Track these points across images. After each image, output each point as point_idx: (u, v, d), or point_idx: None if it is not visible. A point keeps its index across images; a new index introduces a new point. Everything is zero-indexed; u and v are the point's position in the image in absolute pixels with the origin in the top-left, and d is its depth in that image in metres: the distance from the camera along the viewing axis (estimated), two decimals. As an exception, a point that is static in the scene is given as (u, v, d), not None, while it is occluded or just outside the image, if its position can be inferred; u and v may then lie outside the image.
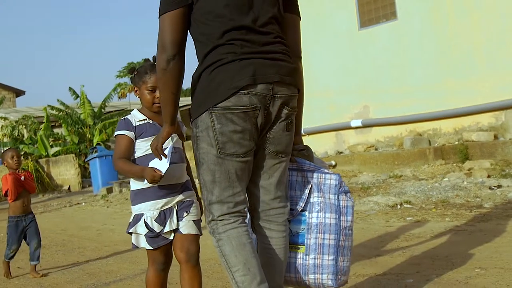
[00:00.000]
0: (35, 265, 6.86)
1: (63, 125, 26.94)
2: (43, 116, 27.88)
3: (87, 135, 27.04)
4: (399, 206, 8.82)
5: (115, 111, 30.22)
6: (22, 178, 6.93)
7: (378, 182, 11.36)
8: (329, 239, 3.44)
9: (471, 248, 5.65)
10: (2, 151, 8.19)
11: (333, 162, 13.92)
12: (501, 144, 11.20)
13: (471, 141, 11.83)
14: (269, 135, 3.19)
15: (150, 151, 3.61)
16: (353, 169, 13.32)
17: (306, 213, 3.48)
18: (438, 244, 6.06)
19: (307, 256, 3.46)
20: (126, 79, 31.43)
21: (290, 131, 3.25)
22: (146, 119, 3.75)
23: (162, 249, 3.80)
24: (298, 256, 3.48)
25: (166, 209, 3.70)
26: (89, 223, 11.69)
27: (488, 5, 12.13)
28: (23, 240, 7.00)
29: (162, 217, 3.70)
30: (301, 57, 3.47)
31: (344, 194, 3.55)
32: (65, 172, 24.09)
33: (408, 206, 8.79)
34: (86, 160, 22.11)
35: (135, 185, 3.77)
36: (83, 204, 16.35)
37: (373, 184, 11.26)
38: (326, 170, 3.58)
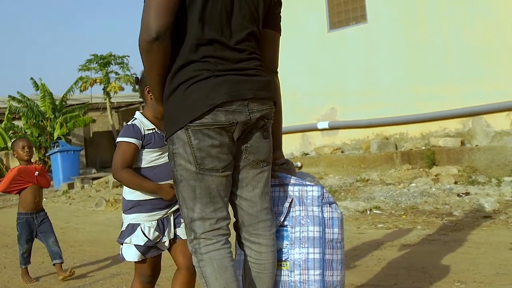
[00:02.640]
0: (61, 263, 6.40)
1: (22, 117, 26.48)
2: (5, 108, 27.39)
3: (48, 128, 26.61)
4: (369, 212, 8.80)
5: (76, 104, 29.77)
6: (37, 173, 6.41)
7: (345, 186, 11.34)
8: (314, 253, 3.30)
9: (446, 259, 5.63)
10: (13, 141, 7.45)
11: (299, 164, 13.88)
12: (468, 150, 11.25)
13: (438, 147, 11.88)
14: (247, 145, 3.10)
15: (156, 162, 3.56)
16: (319, 171, 13.29)
17: (289, 228, 3.36)
18: (412, 254, 6.03)
19: (292, 273, 3.32)
20: (88, 73, 31.03)
21: (267, 138, 3.16)
22: (155, 129, 3.65)
23: (150, 262, 3.70)
24: (283, 274, 3.34)
25: (164, 218, 3.63)
26: (52, 221, 11.42)
27: (459, 11, 12.18)
28: (35, 239, 6.55)
29: (161, 226, 3.62)
30: (277, 72, 3.40)
31: (328, 205, 3.41)
32: (25, 165, 23.65)
33: (378, 212, 8.78)
34: (47, 154, 21.79)
35: (133, 195, 3.65)
36: (44, 199, 16.04)
37: (340, 187, 11.24)
38: (308, 182, 3.46)
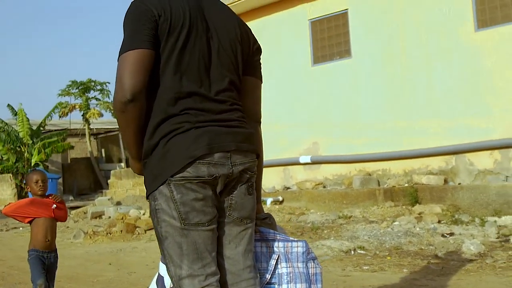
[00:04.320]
0: None
1: (-1, 142, 26.23)
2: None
3: (25, 154, 26.35)
4: (353, 252, 8.69)
5: (55, 130, 29.60)
6: (54, 206, 5.93)
7: (327, 222, 11.25)
8: None
9: (436, 308, 5.54)
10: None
11: (280, 198, 13.82)
12: (451, 188, 11.23)
13: (421, 184, 11.85)
14: (231, 201, 2.99)
15: None
16: (300, 206, 13.22)
17: (276, 285, 3.24)
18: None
19: None
20: (68, 98, 30.92)
21: (252, 194, 3.06)
22: None
23: None
24: None
25: None
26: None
27: (442, 49, 12.23)
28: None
29: None
30: (260, 122, 3.29)
31: (312, 261, 3.35)
32: (1, 191, 23.40)
33: (362, 252, 8.68)
34: (24, 182, 21.50)
35: None
36: (21, 229, 15.78)
37: (322, 224, 11.15)
38: (291, 238, 3.38)
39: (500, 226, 9.51)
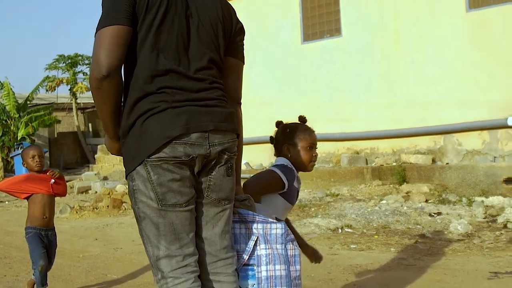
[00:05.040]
0: (34, 284, 5.78)
1: (-15, 115, 26.02)
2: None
3: (12, 128, 26.16)
4: (340, 230, 8.69)
5: (42, 104, 29.41)
6: (52, 181, 5.77)
7: (315, 200, 11.25)
8: None
9: (424, 288, 5.53)
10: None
11: (267, 175, 13.74)
12: (439, 168, 11.23)
13: (409, 163, 11.84)
14: (210, 182, 2.95)
15: (278, 214, 3.59)
16: (288, 183, 13.16)
17: (254, 267, 3.24)
18: (389, 281, 5.91)
19: None
20: (55, 72, 30.68)
21: (231, 176, 3.02)
22: (299, 187, 3.71)
23: None
24: None
25: None
26: (14, 227, 11.10)
27: (434, 30, 12.18)
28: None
29: None
30: (240, 103, 3.24)
31: (291, 242, 3.33)
32: (-13, 166, 23.24)
33: (350, 230, 8.67)
34: (10, 156, 21.37)
35: None
36: (7, 203, 15.70)
37: (310, 201, 11.14)
38: (270, 220, 3.35)
39: (487, 206, 9.53)
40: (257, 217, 3.30)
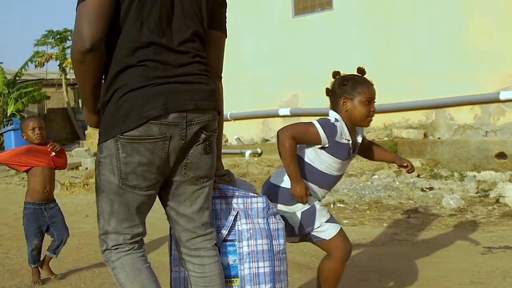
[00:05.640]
0: (51, 258, 5.73)
1: (-26, 91, 25.87)
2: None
3: (1, 104, 26.01)
4: (332, 206, 8.66)
5: (31, 80, 29.24)
6: (53, 154, 5.60)
7: (306, 175, 11.19)
8: (264, 266, 3.20)
9: (417, 264, 5.49)
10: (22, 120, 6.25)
11: (259, 150, 13.74)
12: (431, 143, 11.20)
13: (401, 138, 11.81)
14: (187, 160, 2.91)
15: (329, 171, 3.63)
16: (279, 159, 13.06)
17: (236, 242, 3.22)
18: (382, 256, 5.88)
19: None
20: (44, 48, 30.46)
21: (209, 154, 2.97)
22: (349, 142, 3.63)
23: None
24: None
25: None
26: (4, 204, 11.06)
27: (425, 2, 12.09)
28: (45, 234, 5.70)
29: None
30: (221, 77, 3.19)
31: (273, 216, 3.30)
32: (-24, 141, 23.10)
33: (342, 205, 8.64)
34: (0, 132, 21.23)
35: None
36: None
37: (301, 177, 11.09)
38: (251, 194, 3.32)
39: (479, 181, 9.51)
40: (237, 192, 3.28)
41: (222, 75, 3.20)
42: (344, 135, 3.59)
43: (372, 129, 12.80)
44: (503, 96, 10.87)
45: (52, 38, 30.20)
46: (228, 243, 3.21)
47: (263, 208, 3.26)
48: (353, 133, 3.67)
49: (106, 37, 2.73)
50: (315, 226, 3.66)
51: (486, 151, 10.41)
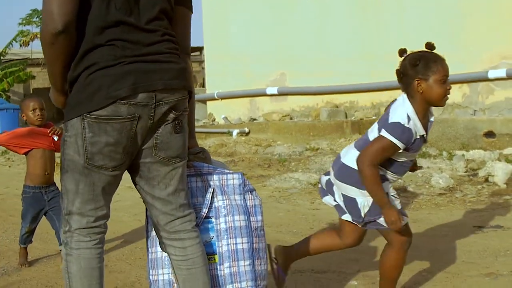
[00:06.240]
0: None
1: (-42, 71, 25.62)
2: None
3: (-15, 83, 25.83)
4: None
5: (16, 59, 29.00)
6: (56, 138, 5.39)
7: (294, 154, 11.17)
8: (242, 243, 3.17)
9: (408, 243, 5.46)
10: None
11: (246, 129, 13.68)
12: (419, 122, 11.15)
13: (389, 117, 11.74)
14: (156, 141, 2.86)
15: (404, 160, 3.56)
16: (267, 138, 13.10)
17: (213, 219, 3.18)
18: (372, 236, 5.76)
19: (222, 266, 3.17)
20: (29, 27, 30.27)
21: (180, 133, 2.92)
22: (424, 135, 3.50)
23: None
24: (212, 268, 3.17)
25: None
26: (-10, 187, 10.95)
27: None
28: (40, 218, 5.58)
29: None
30: (189, 54, 3.15)
31: (249, 193, 3.28)
32: (-40, 122, 22.86)
33: (329, 186, 8.59)
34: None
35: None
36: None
37: (289, 156, 11.06)
38: (226, 170, 3.31)
39: (468, 160, 9.48)
40: (211, 168, 3.25)
41: (190, 51, 3.15)
42: (418, 132, 3.45)
43: (360, 108, 12.77)
44: (491, 74, 10.83)
45: (37, 17, 30.00)
46: (205, 220, 3.18)
47: (239, 185, 3.25)
48: (426, 114, 3.51)
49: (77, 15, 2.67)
50: None
51: (474, 130, 10.39)
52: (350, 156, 3.62)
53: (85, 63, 2.71)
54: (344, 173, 3.61)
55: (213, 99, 15.67)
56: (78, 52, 2.73)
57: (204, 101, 16.13)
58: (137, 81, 2.69)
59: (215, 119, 15.60)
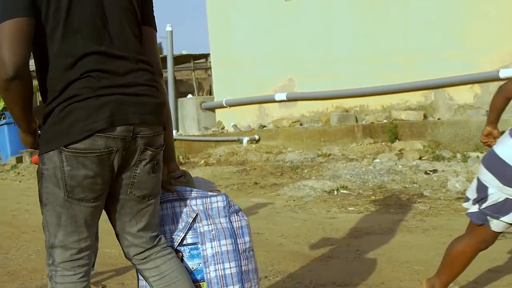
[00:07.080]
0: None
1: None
2: None
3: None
4: (336, 192, 8.51)
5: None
6: None
7: (306, 161, 11.07)
8: (230, 267, 3.09)
9: (431, 252, 5.33)
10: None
11: (256, 137, 13.58)
12: (431, 124, 11.07)
13: (400, 120, 11.66)
14: (133, 180, 2.80)
15: None
16: (277, 145, 13.01)
17: (199, 245, 3.10)
18: (393, 245, 5.74)
19: None
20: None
21: (156, 172, 2.88)
22: None
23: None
24: None
25: None
26: (1, 202, 10.89)
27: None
28: None
29: None
30: (162, 74, 3.05)
31: (235, 214, 3.18)
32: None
33: (345, 192, 8.50)
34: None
35: None
36: (1, 178, 15.42)
37: (301, 163, 10.96)
38: (210, 193, 3.20)
39: (483, 161, 9.36)
40: (194, 192, 3.16)
41: (162, 71, 3.07)
42: None
43: (371, 111, 12.66)
44: (503, 74, 10.68)
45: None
46: (191, 246, 3.11)
47: (223, 207, 3.16)
48: None
49: (39, 55, 2.62)
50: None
51: (488, 130, 10.24)
52: (503, 147, 3.58)
53: (60, 98, 2.60)
54: (493, 163, 3.58)
55: (221, 106, 15.59)
56: (53, 89, 2.63)
57: (213, 109, 16.05)
58: (114, 113, 2.61)
59: (224, 127, 15.51)
